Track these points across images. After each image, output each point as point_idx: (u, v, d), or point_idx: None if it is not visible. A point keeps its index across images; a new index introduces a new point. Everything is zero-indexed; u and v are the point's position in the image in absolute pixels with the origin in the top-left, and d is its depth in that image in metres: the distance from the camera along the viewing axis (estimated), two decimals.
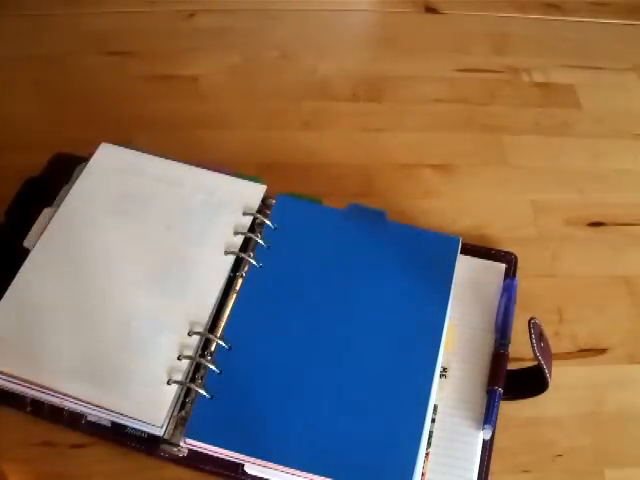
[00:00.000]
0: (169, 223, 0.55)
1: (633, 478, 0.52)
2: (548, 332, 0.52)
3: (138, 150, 0.60)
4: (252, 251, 0.55)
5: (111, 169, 0.58)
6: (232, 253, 0.54)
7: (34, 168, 0.60)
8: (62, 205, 0.56)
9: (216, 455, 0.47)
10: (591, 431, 0.53)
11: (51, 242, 0.54)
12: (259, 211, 0.57)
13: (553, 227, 0.64)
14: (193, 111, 0.69)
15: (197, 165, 0.59)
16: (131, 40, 0.74)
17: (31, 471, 0.49)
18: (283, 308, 0.52)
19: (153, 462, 0.49)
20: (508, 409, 0.52)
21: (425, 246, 0.56)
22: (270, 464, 0.46)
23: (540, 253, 0.62)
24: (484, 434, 0.50)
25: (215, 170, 0.59)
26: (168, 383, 0.48)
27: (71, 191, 0.56)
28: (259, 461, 0.46)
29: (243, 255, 0.54)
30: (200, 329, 0.51)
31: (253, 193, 0.58)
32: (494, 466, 0.49)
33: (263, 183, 0.58)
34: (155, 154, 0.59)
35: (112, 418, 0.48)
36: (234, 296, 0.53)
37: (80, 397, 0.47)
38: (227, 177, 0.59)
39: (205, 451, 0.47)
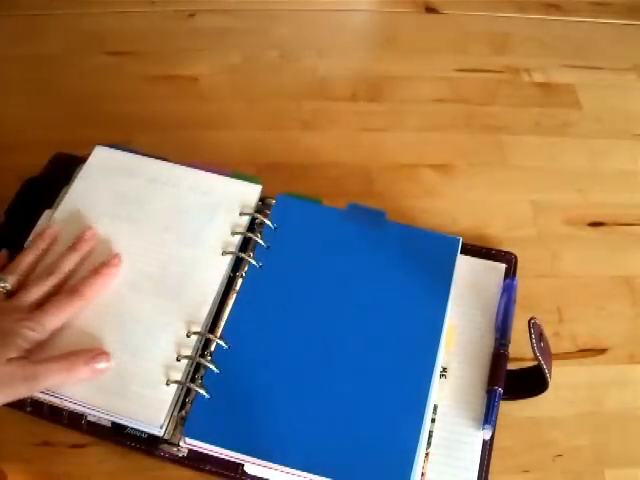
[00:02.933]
0: (166, 224, 0.55)
1: (633, 478, 0.52)
2: (548, 332, 0.52)
3: (134, 151, 0.60)
4: (252, 251, 0.55)
5: (107, 171, 0.58)
6: (230, 253, 0.54)
7: (34, 168, 0.60)
8: (59, 207, 0.56)
9: (216, 455, 0.47)
10: (591, 431, 0.53)
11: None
12: (259, 211, 0.57)
13: (553, 227, 0.64)
14: (193, 111, 0.69)
15: (194, 166, 0.59)
16: (131, 40, 0.74)
17: (31, 471, 0.49)
18: (283, 308, 0.52)
19: (153, 462, 0.49)
20: (508, 409, 0.52)
21: (425, 246, 0.56)
22: (270, 464, 0.46)
23: (540, 253, 0.62)
24: (484, 434, 0.50)
25: (214, 170, 0.59)
26: (167, 383, 0.48)
27: (68, 193, 0.56)
28: (259, 461, 0.46)
29: (243, 255, 0.54)
30: (199, 329, 0.51)
31: (249, 193, 0.58)
32: (494, 466, 0.49)
33: (260, 183, 0.58)
34: (151, 155, 0.60)
35: (112, 418, 0.48)
36: (234, 296, 0.53)
37: (80, 399, 0.47)
38: (222, 177, 0.59)
39: (205, 451, 0.47)
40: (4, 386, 0.45)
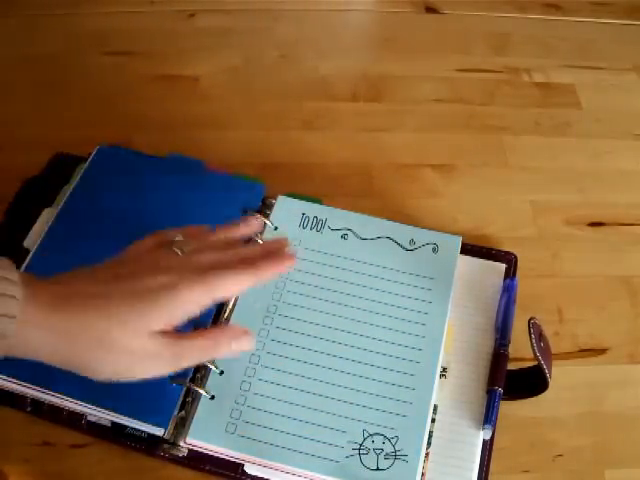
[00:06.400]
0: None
1: (633, 478, 0.52)
2: (548, 332, 0.52)
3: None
4: None
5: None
6: None
7: (34, 168, 0.60)
8: (60, 206, 0.56)
9: (216, 455, 0.47)
10: (591, 431, 0.53)
11: (51, 242, 0.54)
12: (259, 211, 0.57)
13: (553, 227, 0.64)
14: (193, 111, 0.69)
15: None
16: (131, 40, 0.74)
17: (31, 471, 0.49)
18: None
19: (153, 462, 0.49)
20: (508, 409, 0.52)
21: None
22: (271, 463, 0.46)
23: (540, 253, 0.62)
24: (484, 434, 0.50)
25: (215, 171, 0.59)
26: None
27: (69, 193, 0.56)
28: (259, 460, 0.46)
29: None
30: None
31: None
32: (494, 466, 0.49)
33: (261, 183, 0.59)
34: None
35: (112, 418, 0.48)
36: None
37: (81, 398, 0.47)
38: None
39: (205, 451, 0.47)
40: (148, 363, 0.40)
